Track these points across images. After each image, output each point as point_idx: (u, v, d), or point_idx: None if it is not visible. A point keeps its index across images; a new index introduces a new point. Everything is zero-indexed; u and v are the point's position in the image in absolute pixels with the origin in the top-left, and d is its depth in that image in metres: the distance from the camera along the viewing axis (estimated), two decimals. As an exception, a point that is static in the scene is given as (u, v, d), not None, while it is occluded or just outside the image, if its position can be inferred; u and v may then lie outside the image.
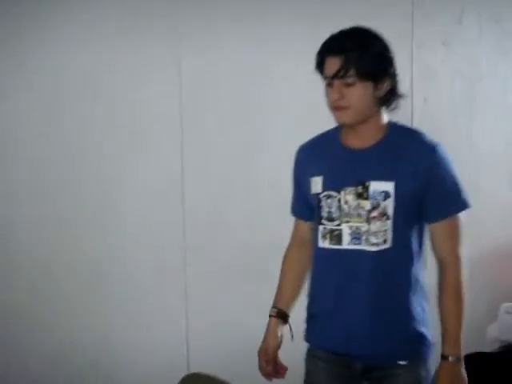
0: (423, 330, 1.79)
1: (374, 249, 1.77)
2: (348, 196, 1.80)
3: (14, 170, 2.53)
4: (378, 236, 1.79)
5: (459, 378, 1.73)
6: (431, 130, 1.86)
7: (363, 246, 1.78)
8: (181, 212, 2.75)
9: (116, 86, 2.63)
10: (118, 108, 2.64)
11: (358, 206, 1.78)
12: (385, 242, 1.78)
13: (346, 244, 1.79)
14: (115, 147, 2.66)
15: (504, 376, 2.69)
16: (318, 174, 1.83)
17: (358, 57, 1.68)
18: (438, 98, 3.25)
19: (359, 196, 1.78)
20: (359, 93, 1.70)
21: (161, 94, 2.70)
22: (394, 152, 1.78)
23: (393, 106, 1.79)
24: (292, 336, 1.92)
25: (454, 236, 1.78)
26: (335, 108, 1.73)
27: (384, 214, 1.77)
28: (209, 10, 2.77)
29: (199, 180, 2.78)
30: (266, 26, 2.85)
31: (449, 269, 1.76)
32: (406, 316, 1.78)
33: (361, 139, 1.80)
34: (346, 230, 1.80)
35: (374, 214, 1.77)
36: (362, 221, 1.78)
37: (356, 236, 1.80)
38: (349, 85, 1.69)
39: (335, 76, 1.68)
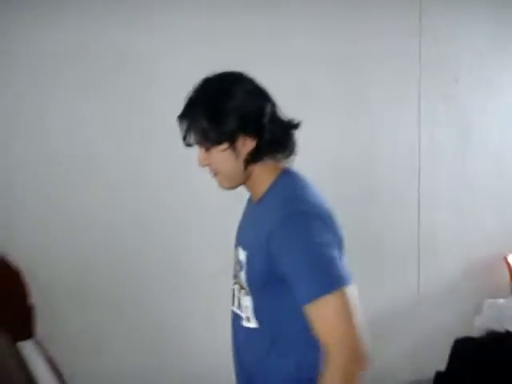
0: None
1: (245, 324, 1.53)
2: (234, 256, 1.59)
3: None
4: (242, 309, 1.54)
5: None
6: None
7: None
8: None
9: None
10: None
11: (235, 270, 1.58)
12: (248, 319, 1.52)
13: (234, 306, 1.58)
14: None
15: (487, 356, 3.00)
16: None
17: (190, 124, 1.48)
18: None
19: (236, 259, 1.58)
20: (217, 157, 1.48)
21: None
22: (259, 215, 1.50)
23: (283, 154, 1.52)
24: None
25: (323, 323, 1.35)
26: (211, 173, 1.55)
27: (242, 288, 1.52)
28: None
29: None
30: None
31: (325, 360, 1.34)
32: None
33: (253, 195, 1.58)
34: (236, 291, 1.57)
35: (238, 285, 1.56)
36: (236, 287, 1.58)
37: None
38: (206, 150, 1.49)
39: (186, 143, 1.51)
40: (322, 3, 3.36)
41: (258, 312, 1.48)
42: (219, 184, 1.53)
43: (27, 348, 2.12)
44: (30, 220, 2.79)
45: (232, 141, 1.44)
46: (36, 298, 2.41)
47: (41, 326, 2.38)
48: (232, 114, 1.43)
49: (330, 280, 1.33)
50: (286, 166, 1.54)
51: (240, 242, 1.56)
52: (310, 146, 3.19)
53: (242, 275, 1.49)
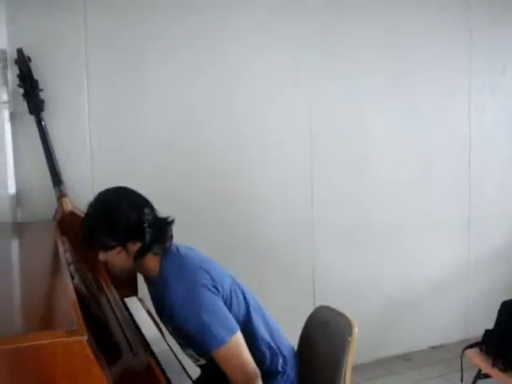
0: None
1: (199, 363, 2.07)
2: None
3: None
4: (192, 357, 2.03)
5: None
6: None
7: None
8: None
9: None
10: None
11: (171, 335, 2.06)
12: (198, 360, 2.02)
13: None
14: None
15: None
16: None
17: (89, 234, 1.86)
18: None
19: (166, 328, 2.07)
20: (112, 257, 1.86)
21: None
22: (161, 294, 1.90)
23: (159, 249, 1.90)
24: None
25: (225, 369, 1.81)
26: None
27: (182, 344, 2.03)
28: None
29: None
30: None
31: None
32: None
33: (147, 281, 2.05)
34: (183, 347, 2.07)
35: (180, 342, 2.03)
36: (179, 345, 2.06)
37: None
38: (104, 251, 1.87)
39: (85, 245, 1.89)
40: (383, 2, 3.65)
41: (199, 353, 1.94)
42: (115, 273, 1.97)
43: (132, 303, 2.58)
44: None
45: (123, 245, 1.84)
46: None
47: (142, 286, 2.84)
48: (122, 226, 1.81)
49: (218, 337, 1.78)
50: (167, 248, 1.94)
51: (161, 318, 1.99)
52: (371, 136, 3.62)
53: (177, 337, 1.96)
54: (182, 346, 2.02)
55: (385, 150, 3.77)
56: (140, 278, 2.86)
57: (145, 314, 2.47)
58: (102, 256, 1.89)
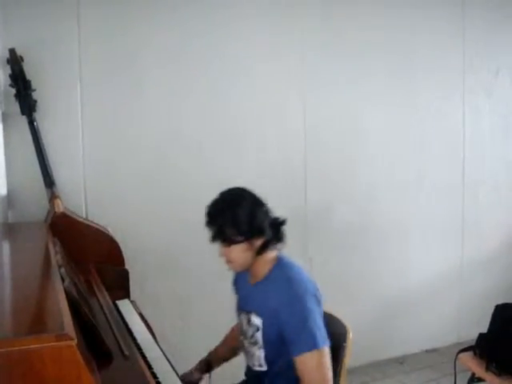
0: None
1: (256, 368, 2.02)
2: (244, 319, 2.05)
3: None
4: (254, 358, 2.01)
5: None
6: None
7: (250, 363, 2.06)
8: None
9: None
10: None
11: (248, 330, 2.02)
12: (260, 365, 2.00)
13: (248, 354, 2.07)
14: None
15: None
16: (236, 296, 2.16)
17: (217, 230, 1.91)
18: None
19: (248, 322, 2.02)
20: (235, 252, 1.93)
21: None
22: (267, 291, 1.93)
23: (280, 244, 1.99)
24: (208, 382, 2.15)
25: (305, 375, 1.81)
26: (225, 261, 1.98)
27: (256, 343, 1.99)
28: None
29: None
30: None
31: None
32: None
33: (253, 276, 2.02)
34: (247, 344, 2.05)
35: (252, 340, 2.00)
36: (248, 342, 2.03)
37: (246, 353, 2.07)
38: (227, 246, 1.93)
39: (213, 242, 1.95)
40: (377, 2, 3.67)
41: (268, 359, 1.97)
42: (231, 269, 2.02)
43: (123, 305, 2.55)
44: (126, 203, 3.15)
45: (249, 240, 1.92)
46: (129, 265, 2.84)
47: (134, 288, 2.81)
48: (249, 221, 1.89)
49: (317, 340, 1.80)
50: (278, 253, 2.01)
51: (251, 309, 1.99)
52: (364, 135, 3.62)
53: (259, 335, 1.96)
54: (249, 348, 2.03)
55: (379, 151, 3.78)
56: (134, 280, 2.88)
57: (137, 317, 2.45)
58: (223, 251, 1.96)
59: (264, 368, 1.99)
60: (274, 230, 1.97)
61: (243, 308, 2.07)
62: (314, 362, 1.80)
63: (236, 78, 3.36)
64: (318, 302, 1.91)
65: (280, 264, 1.97)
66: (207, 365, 2.23)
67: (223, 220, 1.89)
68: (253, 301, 2.01)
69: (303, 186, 3.58)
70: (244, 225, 1.89)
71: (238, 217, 1.88)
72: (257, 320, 1.96)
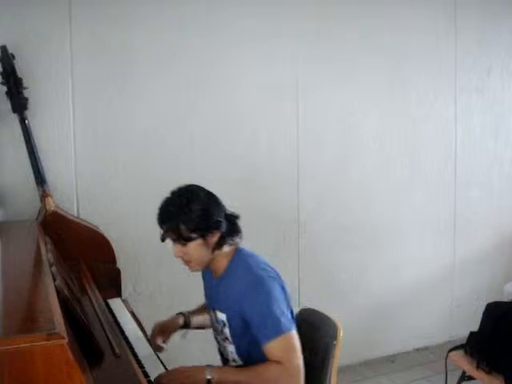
0: None
1: (232, 364, 2.01)
2: (212, 316, 2.06)
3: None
4: (228, 354, 2.01)
5: None
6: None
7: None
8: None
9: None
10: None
11: (218, 327, 2.02)
12: (234, 360, 2.00)
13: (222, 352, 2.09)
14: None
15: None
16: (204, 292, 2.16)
17: (167, 229, 1.89)
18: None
19: (215, 319, 2.02)
20: (191, 250, 1.90)
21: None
22: (228, 284, 1.94)
23: (237, 238, 1.97)
24: (185, 336, 2.21)
25: (276, 361, 1.79)
26: (183, 262, 1.96)
27: (226, 338, 1.99)
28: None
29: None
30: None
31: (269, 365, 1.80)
32: None
33: (214, 272, 2.02)
34: (220, 341, 2.05)
35: (222, 336, 2.00)
36: (220, 338, 2.04)
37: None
38: (182, 245, 1.90)
39: (163, 241, 1.93)
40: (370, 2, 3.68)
41: (240, 353, 1.96)
42: (191, 269, 1.99)
43: (115, 304, 2.55)
44: (117, 201, 3.14)
45: (204, 236, 1.89)
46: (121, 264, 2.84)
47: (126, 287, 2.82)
48: (201, 217, 1.87)
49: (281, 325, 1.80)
50: (237, 247, 1.99)
51: (215, 306, 2.00)
52: (357, 134, 3.62)
53: (226, 330, 1.95)
54: (222, 343, 2.04)
55: (371, 150, 3.78)
56: (126, 278, 2.87)
57: (129, 316, 2.45)
58: (178, 251, 1.93)
59: (239, 362, 1.99)
60: (230, 225, 1.95)
61: (210, 305, 2.08)
62: (283, 347, 1.80)
63: (230, 77, 3.35)
64: (281, 288, 1.91)
65: (238, 255, 1.97)
66: (185, 321, 2.22)
67: (177, 218, 1.87)
68: (216, 297, 2.01)
69: (295, 184, 3.57)
70: (198, 221, 1.87)
71: (192, 213, 1.86)
72: (221, 316, 1.97)
